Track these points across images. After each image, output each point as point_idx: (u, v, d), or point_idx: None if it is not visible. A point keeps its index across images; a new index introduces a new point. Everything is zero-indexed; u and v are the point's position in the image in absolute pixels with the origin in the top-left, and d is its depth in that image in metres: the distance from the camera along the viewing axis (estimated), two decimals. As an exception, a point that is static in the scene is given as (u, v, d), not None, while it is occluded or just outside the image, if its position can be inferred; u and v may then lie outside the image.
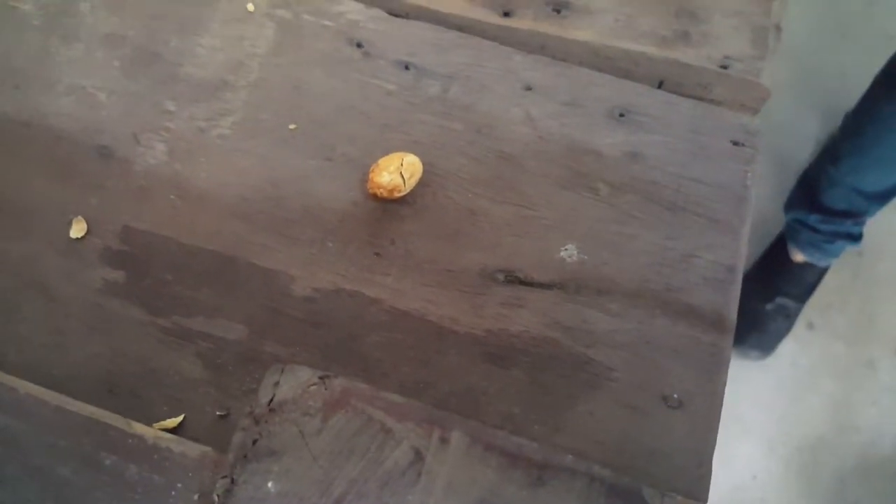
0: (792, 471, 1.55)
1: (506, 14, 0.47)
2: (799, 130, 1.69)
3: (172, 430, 0.37)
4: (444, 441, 0.29)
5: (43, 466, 0.31)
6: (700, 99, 0.47)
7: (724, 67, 0.46)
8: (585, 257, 0.41)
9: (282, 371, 0.30)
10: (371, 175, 0.40)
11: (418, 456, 0.28)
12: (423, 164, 0.42)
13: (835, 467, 1.55)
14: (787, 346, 1.62)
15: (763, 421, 1.57)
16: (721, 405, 0.38)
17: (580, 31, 0.47)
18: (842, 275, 1.70)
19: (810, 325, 1.66)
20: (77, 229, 0.41)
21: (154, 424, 0.36)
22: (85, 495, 0.31)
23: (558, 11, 0.47)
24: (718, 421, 0.38)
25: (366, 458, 0.28)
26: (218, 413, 0.37)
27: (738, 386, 1.55)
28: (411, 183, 0.41)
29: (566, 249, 0.41)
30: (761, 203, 1.62)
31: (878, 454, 1.59)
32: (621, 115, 0.45)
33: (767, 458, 1.54)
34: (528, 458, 0.29)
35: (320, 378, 0.30)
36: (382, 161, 0.41)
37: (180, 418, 0.37)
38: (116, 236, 0.41)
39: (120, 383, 0.38)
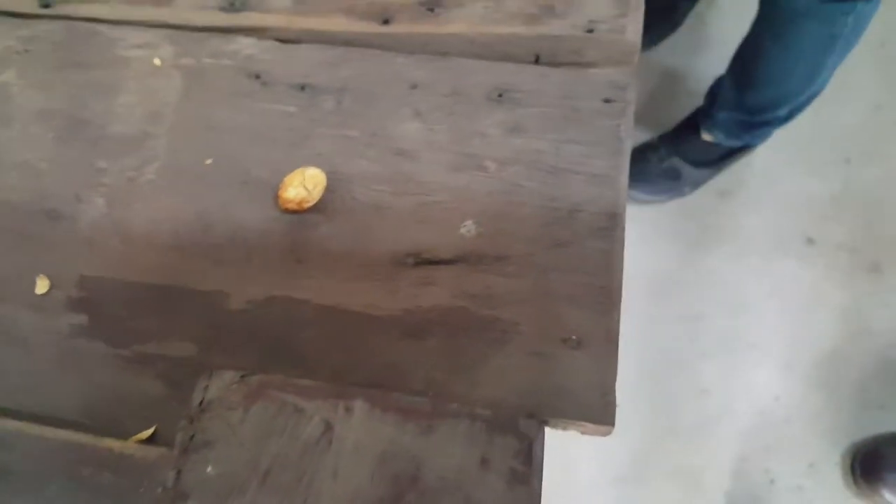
0: (812, 386, 1.57)
1: (385, 22, 0.51)
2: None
3: (147, 441, 0.42)
4: (348, 410, 0.34)
5: (33, 487, 0.37)
6: (577, 64, 0.51)
7: (591, 31, 0.50)
8: (483, 230, 0.46)
9: (210, 376, 0.36)
10: (279, 193, 0.46)
11: (328, 426, 0.34)
12: (329, 173, 0.47)
13: (855, 375, 1.57)
14: (786, 265, 1.64)
15: (776, 343, 1.60)
16: (617, 339, 0.43)
17: (454, 25, 0.51)
18: (832, 185, 1.71)
19: (810, 241, 1.68)
20: (41, 286, 0.47)
21: (130, 439, 0.42)
22: (70, 506, 0.37)
23: (432, 10, 0.51)
24: (616, 354, 0.43)
25: (284, 435, 0.34)
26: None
27: (744, 314, 1.58)
28: (317, 192, 0.46)
29: (465, 226, 0.46)
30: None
31: (896, 354, 1.59)
32: (500, 96, 0.49)
33: (786, 378, 1.57)
34: (418, 411, 0.34)
35: (241, 377, 0.35)
36: (287, 178, 0.46)
37: (151, 430, 0.43)
38: (75, 286, 0.47)
39: (95, 410, 0.44)
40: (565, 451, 1.36)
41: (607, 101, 0.48)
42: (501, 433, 0.33)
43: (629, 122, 0.48)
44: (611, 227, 0.45)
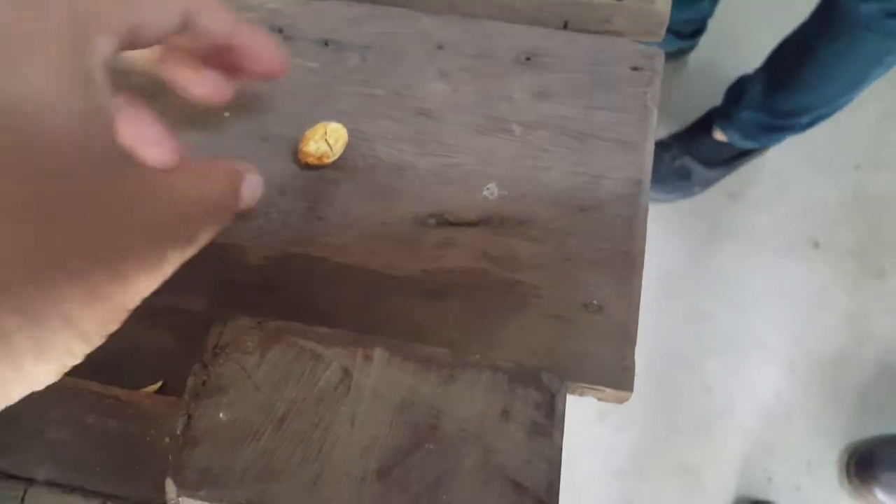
0: (814, 386, 1.57)
1: (412, -18, 0.50)
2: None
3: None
4: (367, 358, 0.33)
5: (38, 432, 0.36)
6: (605, 32, 0.50)
7: (620, 0, 0.49)
8: (506, 193, 0.45)
9: (224, 323, 0.35)
10: (300, 147, 0.45)
11: (346, 373, 0.33)
12: (350, 130, 0.46)
13: (856, 377, 1.57)
14: (793, 268, 1.63)
15: (780, 343, 1.59)
16: (638, 305, 0.42)
17: (482, -13, 0.50)
18: (843, 190, 1.71)
19: (816, 244, 1.67)
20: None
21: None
22: (75, 452, 0.36)
23: (460, -28, 0.50)
24: (637, 320, 0.42)
25: (301, 381, 0.33)
26: (192, 373, 0.42)
27: (749, 314, 1.57)
28: (338, 148, 0.45)
29: (488, 189, 0.45)
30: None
31: (897, 360, 1.59)
32: (527, 59, 0.48)
33: (789, 377, 1.56)
34: (440, 362, 0.33)
35: (257, 323, 0.34)
36: (308, 132, 0.45)
37: (158, 384, 0.42)
38: (87, 235, 0.46)
39: (105, 362, 0.42)
40: (568, 443, 1.35)
41: (635, 69, 0.48)
42: (523, 385, 0.32)
43: (656, 91, 0.47)
44: (635, 194, 0.44)
